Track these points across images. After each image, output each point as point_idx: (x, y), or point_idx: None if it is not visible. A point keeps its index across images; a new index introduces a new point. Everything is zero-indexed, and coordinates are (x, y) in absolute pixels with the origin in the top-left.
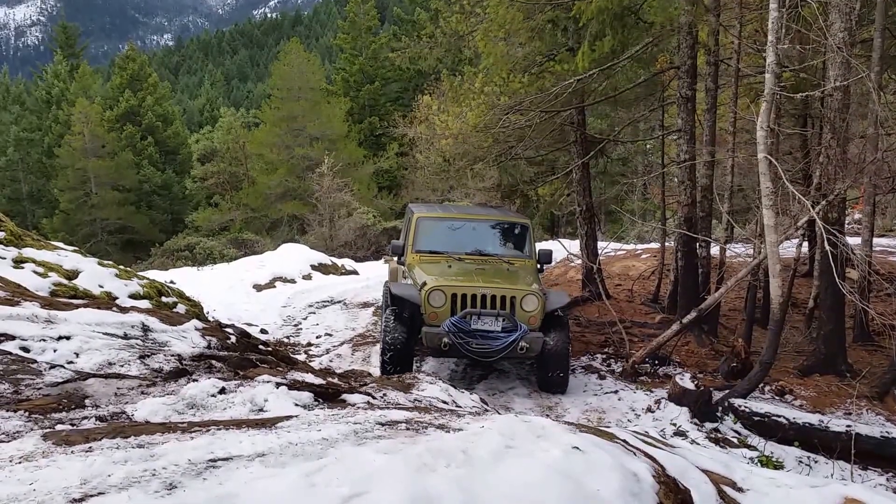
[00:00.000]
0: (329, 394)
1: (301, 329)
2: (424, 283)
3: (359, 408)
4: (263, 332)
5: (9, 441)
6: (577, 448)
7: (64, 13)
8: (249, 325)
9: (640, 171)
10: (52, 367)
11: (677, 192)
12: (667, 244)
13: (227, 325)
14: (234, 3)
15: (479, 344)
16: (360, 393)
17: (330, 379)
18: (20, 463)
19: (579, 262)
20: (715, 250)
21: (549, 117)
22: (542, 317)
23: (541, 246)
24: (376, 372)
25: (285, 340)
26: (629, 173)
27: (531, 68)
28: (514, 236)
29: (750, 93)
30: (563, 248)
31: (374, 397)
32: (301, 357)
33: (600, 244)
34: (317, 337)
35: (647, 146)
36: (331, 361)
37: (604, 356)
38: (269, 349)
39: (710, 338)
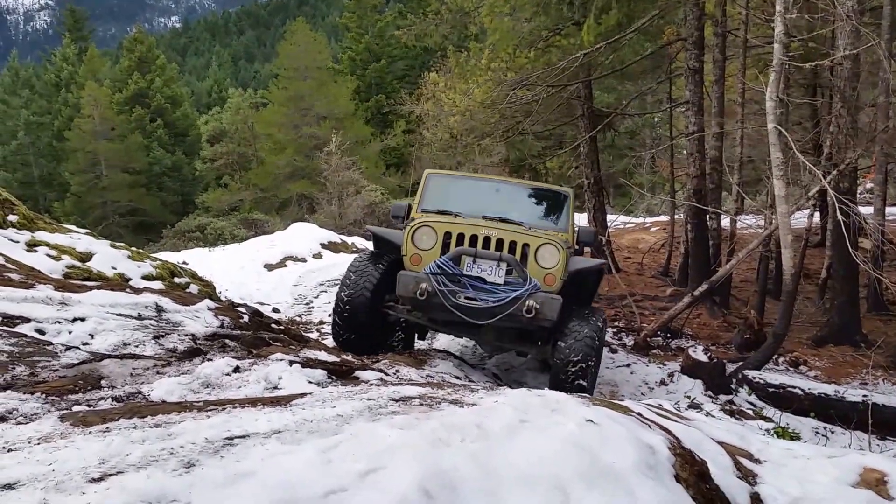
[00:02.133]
0: (342, 371)
1: (312, 307)
2: (411, 220)
3: (372, 384)
4: (275, 310)
5: (27, 423)
6: (592, 421)
7: None
8: (261, 304)
9: (648, 143)
10: (68, 348)
11: (686, 165)
12: (676, 217)
13: (239, 305)
14: None
15: (470, 297)
16: (373, 369)
17: (343, 356)
18: (38, 444)
19: None
20: (725, 222)
21: (555, 92)
22: (565, 279)
23: (581, 223)
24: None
25: (297, 319)
26: (637, 146)
27: (537, 43)
28: (547, 205)
29: (758, 63)
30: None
31: (386, 374)
32: (313, 335)
33: (609, 217)
34: (328, 315)
35: (655, 119)
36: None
37: (615, 330)
38: (282, 328)
39: (723, 310)
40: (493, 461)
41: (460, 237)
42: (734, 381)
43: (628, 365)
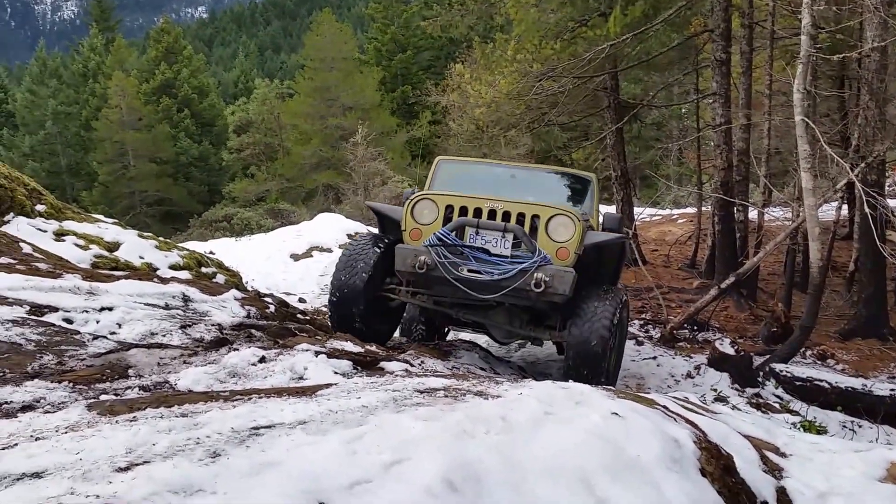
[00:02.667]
0: (367, 362)
1: None
2: (411, 194)
3: (397, 375)
4: (301, 301)
5: (54, 411)
6: (617, 414)
7: None
8: (287, 294)
9: (674, 135)
10: (95, 337)
11: (713, 156)
12: (703, 209)
13: (265, 295)
14: None
15: (473, 270)
16: (398, 360)
17: (368, 347)
18: (66, 433)
19: None
20: (752, 214)
21: (582, 83)
22: (580, 253)
23: (608, 211)
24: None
25: (323, 309)
26: (664, 138)
27: (563, 34)
28: (568, 190)
29: (785, 55)
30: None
31: (411, 365)
32: None
33: (636, 209)
34: None
35: (682, 110)
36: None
37: (641, 322)
38: (308, 318)
39: (749, 302)
40: (518, 453)
41: (463, 210)
42: (761, 374)
43: (654, 357)
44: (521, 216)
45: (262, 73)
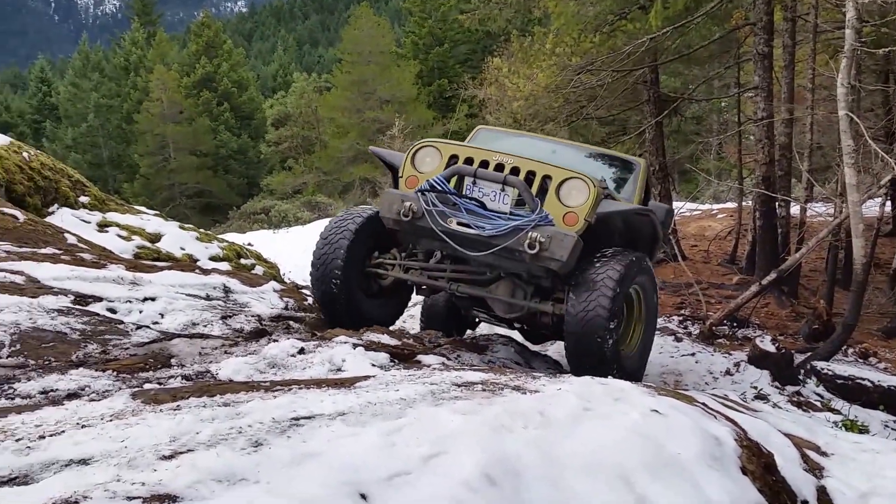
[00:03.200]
0: (404, 354)
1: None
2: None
3: (434, 369)
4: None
5: (99, 400)
6: (657, 411)
7: None
8: None
9: (714, 129)
10: (138, 327)
11: (755, 151)
12: (744, 204)
13: (303, 287)
14: None
15: (464, 223)
16: (435, 354)
17: (404, 340)
18: (111, 421)
19: None
20: (794, 210)
21: (621, 77)
22: (591, 221)
23: (655, 203)
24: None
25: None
26: (704, 132)
27: (602, 27)
28: (611, 173)
29: (828, 48)
30: None
31: (448, 358)
32: None
33: (675, 204)
34: None
35: (722, 104)
36: (404, 322)
37: (680, 318)
38: None
39: (791, 299)
40: (557, 449)
41: (468, 161)
42: (802, 372)
43: (693, 354)
44: (530, 174)
45: (300, 66)
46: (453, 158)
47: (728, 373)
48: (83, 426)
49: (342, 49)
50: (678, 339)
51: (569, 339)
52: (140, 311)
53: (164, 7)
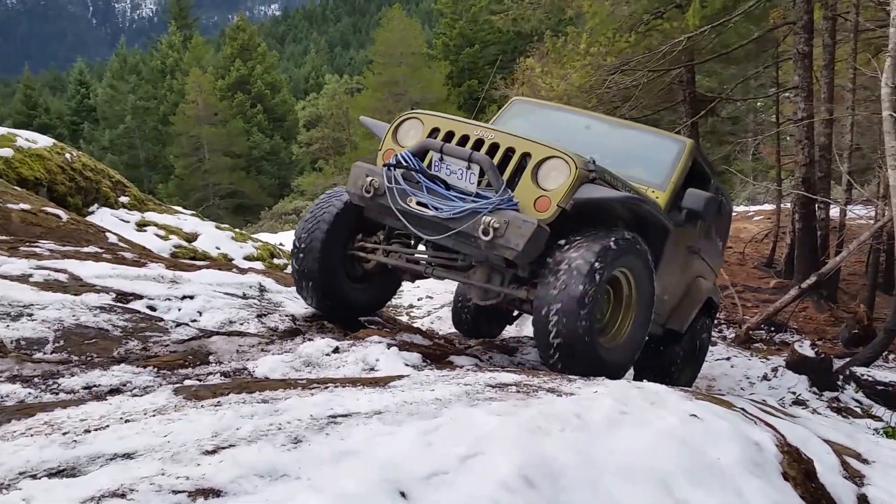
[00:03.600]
0: (436, 355)
1: (402, 291)
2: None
3: (467, 370)
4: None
5: (142, 395)
6: (695, 416)
7: None
8: None
9: (751, 130)
10: (178, 325)
11: (793, 152)
12: (782, 206)
13: None
14: None
15: (423, 202)
16: (467, 355)
17: (436, 340)
18: (154, 416)
19: None
20: (834, 212)
21: (656, 76)
22: (566, 207)
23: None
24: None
25: (389, 302)
26: (740, 132)
27: (638, 27)
28: (646, 154)
29: (870, 48)
30: None
31: (480, 360)
32: (403, 319)
33: None
34: (418, 299)
35: (759, 104)
36: (432, 323)
37: (715, 322)
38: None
39: (830, 304)
40: (594, 452)
41: (449, 135)
42: (841, 377)
43: (728, 358)
44: (509, 151)
45: (331, 68)
46: (435, 132)
47: (765, 378)
48: (127, 421)
49: (373, 51)
50: (713, 344)
51: (536, 328)
52: (179, 309)
53: (199, 11)
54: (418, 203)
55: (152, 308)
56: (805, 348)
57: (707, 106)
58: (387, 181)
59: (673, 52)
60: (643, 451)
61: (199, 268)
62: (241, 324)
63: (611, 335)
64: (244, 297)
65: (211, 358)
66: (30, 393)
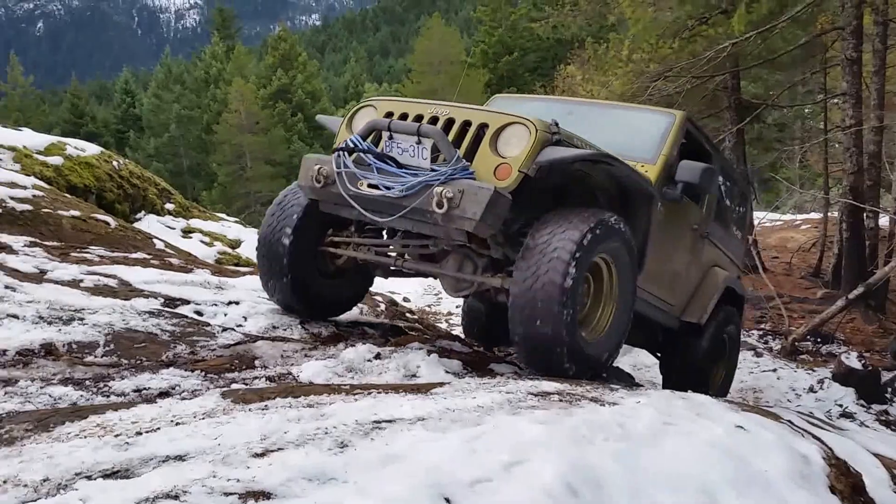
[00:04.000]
0: (476, 362)
1: (441, 298)
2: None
3: (508, 377)
4: (406, 300)
5: (191, 398)
6: (741, 427)
7: None
8: (392, 293)
9: (798, 137)
10: (224, 329)
11: (841, 160)
12: (829, 214)
13: (375, 294)
14: None
15: (373, 183)
16: (506, 363)
17: (475, 347)
18: (203, 419)
19: None
20: (883, 221)
21: (700, 83)
22: (530, 173)
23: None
24: None
25: (427, 309)
26: (787, 139)
27: (682, 32)
28: (635, 133)
29: None
30: None
31: (519, 367)
32: (442, 326)
33: (756, 214)
34: (456, 306)
35: (806, 111)
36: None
37: (760, 332)
38: (416, 317)
39: (878, 315)
40: (638, 462)
41: (403, 117)
42: (889, 390)
43: (774, 370)
44: (466, 124)
45: (371, 77)
46: (389, 116)
47: (811, 390)
48: (177, 423)
49: (412, 59)
50: (758, 355)
51: (512, 320)
52: (225, 314)
53: (242, 21)
54: (369, 185)
55: (199, 313)
56: (852, 360)
57: (753, 112)
58: (335, 166)
59: (717, 58)
60: (687, 462)
61: (243, 274)
62: (285, 329)
63: (591, 328)
64: None
65: (256, 362)
66: (82, 395)
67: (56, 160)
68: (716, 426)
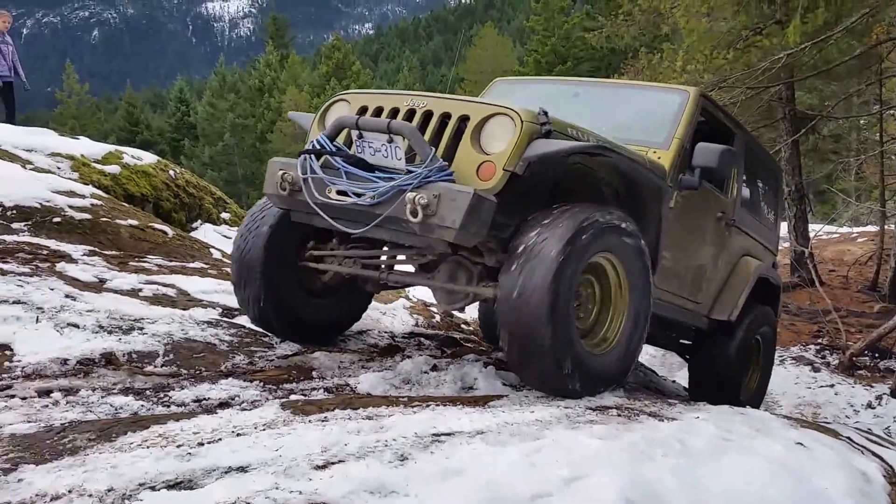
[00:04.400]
0: None
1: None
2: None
3: None
4: (459, 310)
5: (251, 409)
6: (801, 444)
7: (273, 5)
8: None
9: (854, 148)
10: (282, 340)
11: None
12: (886, 227)
13: (431, 304)
14: None
15: (343, 189)
16: None
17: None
18: (264, 430)
19: (786, 245)
20: None
21: (755, 94)
22: (518, 171)
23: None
24: None
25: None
26: (842, 151)
27: (736, 43)
28: (644, 115)
29: None
30: None
31: None
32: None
33: (811, 227)
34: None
35: (862, 122)
36: None
37: (817, 347)
38: (471, 328)
39: None
40: (697, 478)
41: (378, 112)
42: None
43: (832, 385)
44: (445, 117)
45: (423, 86)
46: (363, 111)
47: (870, 406)
48: (238, 434)
49: (465, 69)
50: (815, 370)
51: (501, 336)
52: None
53: (296, 30)
54: (339, 192)
55: None
56: None
57: (808, 124)
58: (300, 171)
59: (772, 69)
60: (748, 479)
61: None
62: (342, 340)
63: (600, 338)
64: None
65: (314, 373)
66: (142, 405)
67: (113, 169)
68: (775, 443)
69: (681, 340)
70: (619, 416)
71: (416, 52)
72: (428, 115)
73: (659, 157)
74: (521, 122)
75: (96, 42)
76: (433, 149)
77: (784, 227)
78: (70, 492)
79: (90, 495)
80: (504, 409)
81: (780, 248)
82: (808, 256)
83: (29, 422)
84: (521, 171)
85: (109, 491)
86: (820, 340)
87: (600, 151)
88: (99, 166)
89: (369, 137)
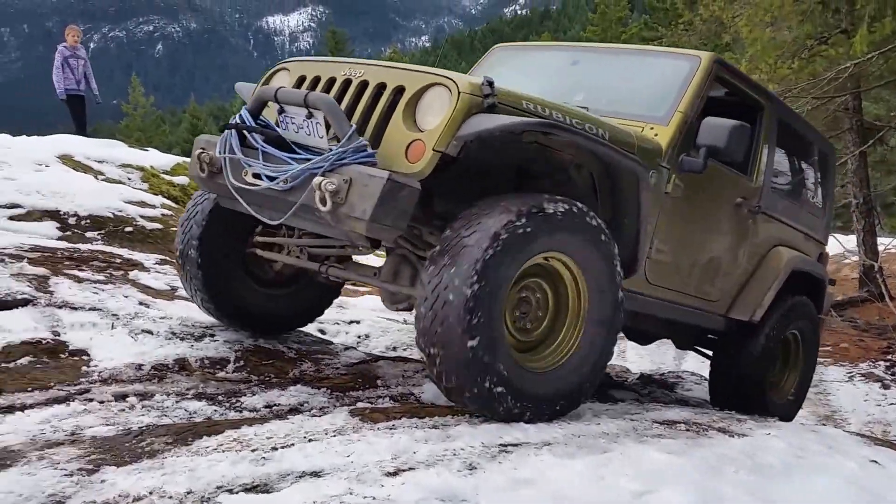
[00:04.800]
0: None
1: None
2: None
3: (629, 403)
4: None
5: (320, 416)
6: (875, 461)
7: (332, 19)
8: None
9: None
10: (346, 348)
11: None
12: None
13: None
14: (486, 2)
15: (258, 172)
16: (625, 388)
17: None
18: (335, 436)
19: (855, 258)
20: None
21: (821, 104)
22: (453, 151)
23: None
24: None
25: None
26: None
27: (801, 53)
28: (648, 84)
29: None
30: (839, 244)
31: (639, 394)
32: None
33: (880, 240)
34: None
35: None
36: None
37: (887, 363)
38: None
39: None
40: (769, 495)
41: (315, 82)
42: None
43: None
44: (381, 88)
45: None
46: (301, 81)
47: None
48: (310, 440)
49: None
50: (885, 387)
51: (418, 343)
52: (346, 333)
53: (354, 44)
54: (254, 175)
55: (322, 331)
56: None
57: (875, 135)
58: (219, 150)
59: (838, 79)
60: (821, 496)
61: (363, 293)
62: (404, 349)
63: (549, 351)
64: (405, 322)
65: (378, 381)
66: (215, 410)
67: (182, 180)
68: (848, 460)
69: (703, 338)
70: (687, 430)
71: (472, 64)
72: (364, 86)
73: (656, 134)
74: (458, 93)
75: (160, 56)
76: (353, 126)
77: (853, 241)
78: (151, 493)
79: (171, 497)
80: (570, 421)
81: (847, 260)
82: (877, 270)
83: (107, 425)
84: (454, 153)
85: (189, 493)
86: (890, 357)
87: (548, 129)
88: (168, 177)
89: (290, 112)
